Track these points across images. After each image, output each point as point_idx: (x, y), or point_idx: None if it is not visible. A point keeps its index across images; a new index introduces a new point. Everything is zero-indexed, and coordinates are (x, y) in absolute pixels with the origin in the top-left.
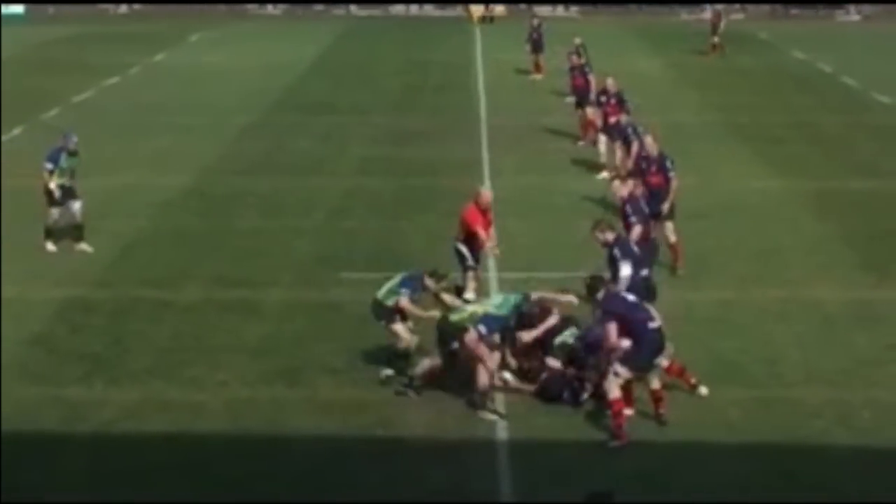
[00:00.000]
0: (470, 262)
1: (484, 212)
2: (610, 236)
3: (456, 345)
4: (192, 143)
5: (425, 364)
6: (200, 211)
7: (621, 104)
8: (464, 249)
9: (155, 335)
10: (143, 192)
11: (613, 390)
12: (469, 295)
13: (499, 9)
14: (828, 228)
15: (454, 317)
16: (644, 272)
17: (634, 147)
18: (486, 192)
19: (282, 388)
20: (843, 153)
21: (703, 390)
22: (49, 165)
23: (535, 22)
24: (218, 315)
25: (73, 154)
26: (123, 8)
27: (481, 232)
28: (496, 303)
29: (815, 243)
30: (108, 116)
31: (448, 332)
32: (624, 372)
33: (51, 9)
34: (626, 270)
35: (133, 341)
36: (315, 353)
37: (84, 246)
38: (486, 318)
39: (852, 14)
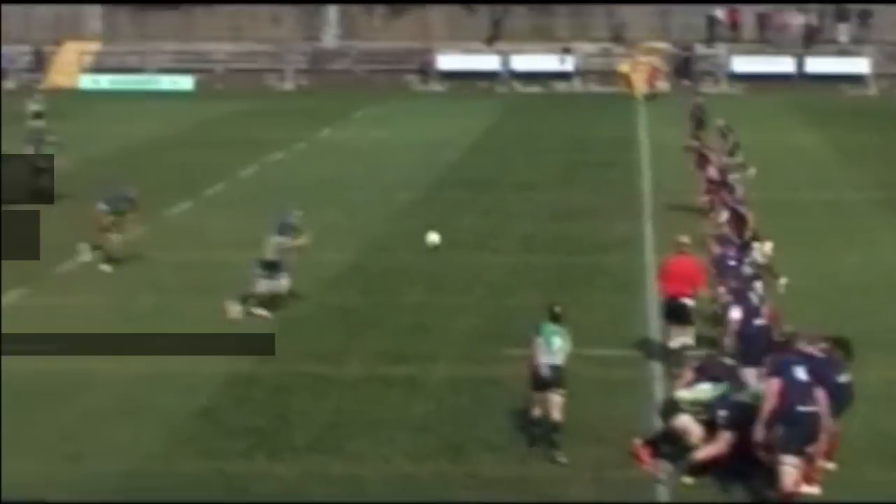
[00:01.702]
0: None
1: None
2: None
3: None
4: (357, 219)
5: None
6: (364, 286)
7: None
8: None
9: (317, 410)
10: (307, 267)
11: (789, 482)
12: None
13: (662, 85)
14: None
15: (686, 395)
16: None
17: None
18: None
19: (444, 463)
20: None
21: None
22: (280, 239)
23: (699, 100)
24: (380, 390)
25: (295, 229)
26: (289, 84)
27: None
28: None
29: None
30: (273, 191)
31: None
32: (792, 461)
33: (219, 83)
34: (735, 314)
35: (296, 415)
36: (477, 429)
37: (262, 311)
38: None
39: None
